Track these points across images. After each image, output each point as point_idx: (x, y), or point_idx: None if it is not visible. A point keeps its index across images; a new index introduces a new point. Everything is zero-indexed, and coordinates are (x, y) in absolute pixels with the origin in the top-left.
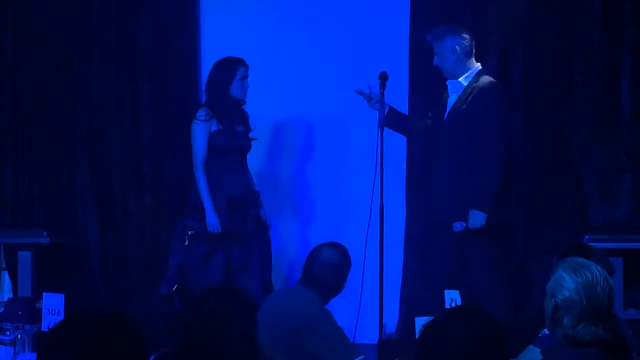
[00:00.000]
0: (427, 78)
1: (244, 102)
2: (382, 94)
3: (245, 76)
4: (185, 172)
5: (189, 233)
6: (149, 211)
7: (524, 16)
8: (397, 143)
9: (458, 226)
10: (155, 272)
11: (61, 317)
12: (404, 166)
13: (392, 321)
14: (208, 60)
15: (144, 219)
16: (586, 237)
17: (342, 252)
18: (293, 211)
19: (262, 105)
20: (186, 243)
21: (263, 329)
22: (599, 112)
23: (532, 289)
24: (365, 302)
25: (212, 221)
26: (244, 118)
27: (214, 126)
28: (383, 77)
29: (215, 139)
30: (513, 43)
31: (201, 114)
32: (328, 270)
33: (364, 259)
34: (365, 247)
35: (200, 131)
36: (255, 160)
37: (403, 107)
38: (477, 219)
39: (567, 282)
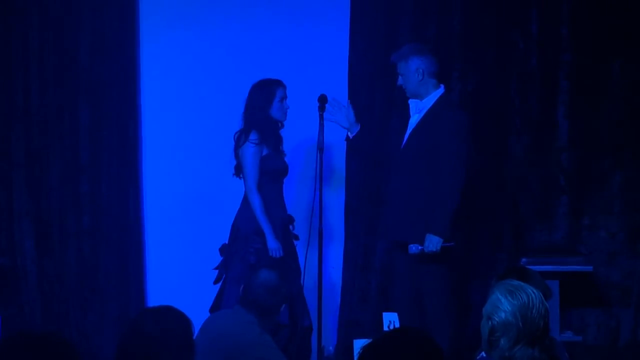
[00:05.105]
0: (366, 100)
1: (283, 125)
2: (321, 117)
3: (284, 97)
4: (124, 193)
5: (254, 257)
6: (87, 233)
7: (462, 40)
8: (336, 164)
9: (413, 249)
10: (93, 294)
11: None
12: (343, 187)
13: (330, 343)
14: (147, 82)
15: (82, 240)
16: (523, 259)
17: (280, 274)
18: None
19: (202, 126)
20: (252, 266)
21: (201, 352)
22: (536, 135)
23: (470, 311)
24: None
25: (274, 245)
26: (281, 141)
27: (265, 150)
28: (322, 99)
29: (268, 163)
30: (451, 67)
31: (254, 137)
32: (266, 292)
33: (303, 280)
34: (304, 268)
35: (254, 154)
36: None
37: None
38: (433, 243)
39: (503, 304)
